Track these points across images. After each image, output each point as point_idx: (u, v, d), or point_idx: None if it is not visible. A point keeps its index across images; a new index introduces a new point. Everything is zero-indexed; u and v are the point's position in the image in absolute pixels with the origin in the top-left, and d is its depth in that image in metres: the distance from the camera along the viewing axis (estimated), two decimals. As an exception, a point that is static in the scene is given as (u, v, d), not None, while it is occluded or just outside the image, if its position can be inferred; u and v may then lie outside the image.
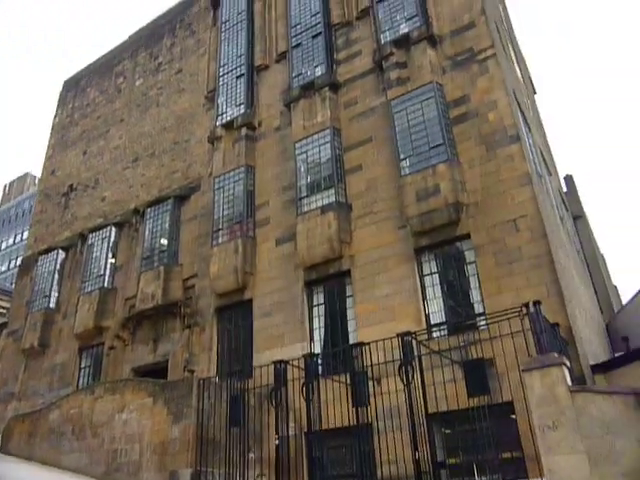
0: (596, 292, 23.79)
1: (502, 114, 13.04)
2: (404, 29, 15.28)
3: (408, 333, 9.30)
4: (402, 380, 9.07)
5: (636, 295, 18.65)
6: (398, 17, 15.64)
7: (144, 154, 20.64)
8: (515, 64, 18.78)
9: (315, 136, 15.53)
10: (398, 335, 9.28)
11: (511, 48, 19.86)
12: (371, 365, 9.73)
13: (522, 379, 7.53)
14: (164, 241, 17.82)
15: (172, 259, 17.36)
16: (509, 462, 10.13)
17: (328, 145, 15.16)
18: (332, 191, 14.53)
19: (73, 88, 26.02)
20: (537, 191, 12.30)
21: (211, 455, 10.86)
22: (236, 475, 10.60)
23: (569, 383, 7.04)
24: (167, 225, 17.94)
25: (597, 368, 11.46)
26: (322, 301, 14.25)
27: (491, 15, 15.60)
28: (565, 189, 35.89)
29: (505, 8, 25.79)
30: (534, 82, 27.20)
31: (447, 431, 11.41)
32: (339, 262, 13.92)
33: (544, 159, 17.43)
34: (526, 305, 8.53)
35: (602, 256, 42.92)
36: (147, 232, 18.32)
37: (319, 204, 14.55)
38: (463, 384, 8.91)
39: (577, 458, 6.51)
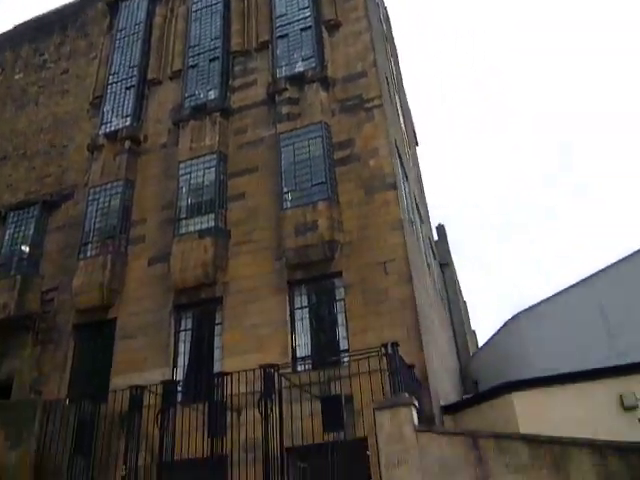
0: (455, 337, 25.38)
1: (382, 162, 13.74)
2: (299, 67, 15.72)
3: (271, 365, 9.33)
4: (260, 413, 9.04)
5: (487, 342, 20.15)
6: (295, 55, 16.07)
7: (14, 153, 19.21)
8: (400, 116, 19.94)
9: (201, 158, 15.36)
10: (260, 367, 9.27)
11: (398, 100, 21.10)
12: (231, 396, 9.63)
13: (374, 417, 7.81)
14: (25, 248, 16.55)
15: (33, 269, 16.15)
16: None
17: (213, 169, 15.05)
18: (212, 216, 14.38)
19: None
20: (407, 237, 13.00)
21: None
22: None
23: (416, 423, 7.41)
24: (31, 232, 16.70)
25: (447, 409, 12.16)
26: (190, 326, 13.90)
27: (382, 67, 16.53)
28: (436, 238, 38.28)
29: (397, 62, 27.45)
30: (417, 135, 29.03)
31: (303, 465, 11.46)
32: (212, 288, 13.71)
33: (418, 207, 18.52)
34: (385, 345, 8.93)
35: (464, 303, 45.94)
36: (7, 237, 16.93)
37: (198, 227, 14.32)
38: (322, 419, 9.07)
39: (416, 496, 6.82)
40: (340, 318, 12.60)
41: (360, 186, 13.65)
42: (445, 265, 35.29)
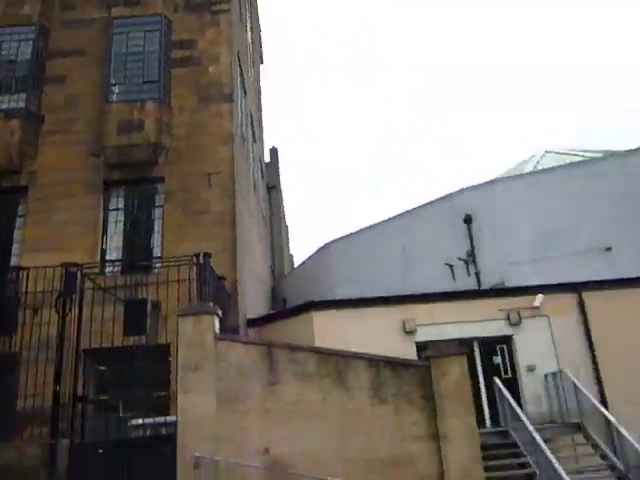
0: (273, 257, 26.33)
1: (222, 71, 13.27)
2: (145, -53, 14.24)
3: (74, 264, 8.87)
4: (58, 312, 8.64)
5: (299, 265, 21.25)
6: None
7: None
8: (248, 28, 19.25)
9: (17, 28, 13.43)
10: (62, 265, 8.78)
11: (248, 11, 20.31)
12: (26, 293, 9.03)
13: (177, 323, 7.90)
14: None
15: None
16: (160, 400, 10.53)
17: (31, 43, 13.29)
18: (24, 96, 12.83)
19: None
20: (236, 152, 12.92)
21: None
22: None
23: (217, 331, 7.66)
24: None
25: (253, 322, 12.73)
26: (-14, 215, 12.57)
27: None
28: (268, 159, 38.49)
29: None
30: (264, 52, 28.36)
31: (102, 368, 11.32)
32: (17, 177, 12.42)
33: (252, 126, 18.37)
34: (197, 255, 8.96)
35: (287, 227, 47.43)
36: None
37: (5, 106, 12.71)
38: (124, 323, 8.93)
39: (207, 397, 7.17)
40: (157, 225, 12.31)
41: (195, 92, 13.10)
42: (273, 188, 35.98)
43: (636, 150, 15.26)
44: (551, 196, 15.06)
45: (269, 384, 7.32)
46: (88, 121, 12.79)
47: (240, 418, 7.13)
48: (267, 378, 7.34)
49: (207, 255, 8.99)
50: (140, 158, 12.28)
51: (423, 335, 11.68)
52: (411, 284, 15.16)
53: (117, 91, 12.86)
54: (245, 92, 16.35)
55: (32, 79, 13.02)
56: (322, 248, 18.58)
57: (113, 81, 12.93)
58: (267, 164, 38.62)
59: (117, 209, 12.46)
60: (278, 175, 38.62)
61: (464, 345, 10.76)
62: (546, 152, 23.78)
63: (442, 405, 7.19)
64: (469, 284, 14.92)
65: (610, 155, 16.18)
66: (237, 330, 11.24)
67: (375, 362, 7.47)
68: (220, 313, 7.99)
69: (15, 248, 12.16)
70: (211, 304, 7.95)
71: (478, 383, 11.68)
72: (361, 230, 17.67)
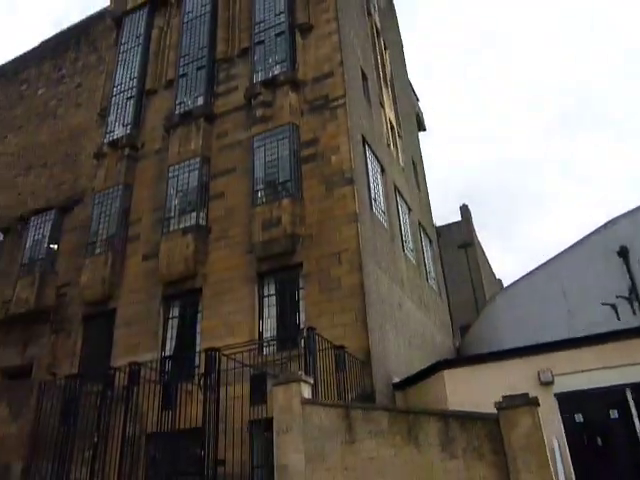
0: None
1: (342, 158, 14.79)
2: (274, 71, 16.89)
3: (213, 349, 10.60)
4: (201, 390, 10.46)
5: (476, 320, 20.87)
6: (270, 60, 17.24)
7: (37, 163, 21.41)
8: (384, 108, 20.70)
9: (187, 162, 16.89)
10: (206, 350, 10.56)
11: (387, 91, 21.87)
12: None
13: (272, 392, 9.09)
14: (44, 248, 18.68)
15: (49, 267, 18.27)
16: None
17: (197, 172, 16.55)
18: (194, 214, 15.91)
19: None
20: (363, 228, 14.05)
21: (44, 451, 11.98)
22: (64, 469, 11.72)
23: (306, 396, 8.65)
24: (48, 234, 18.83)
25: (397, 387, 13.22)
26: (176, 314, 15.57)
27: (353, 65, 17.43)
28: (460, 218, 38.63)
29: (401, 51, 27.95)
30: (424, 120, 29.51)
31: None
32: (193, 280, 15.29)
33: (401, 195, 19.34)
34: (306, 329, 10.20)
35: (499, 280, 46.00)
36: (29, 239, 19.14)
37: (182, 225, 15.91)
38: (251, 395, 10.44)
39: (298, 457, 8.11)
40: (301, 304, 13.87)
41: (322, 182, 14.78)
42: (468, 245, 35.90)
43: None
44: None
45: (347, 442, 7.99)
46: (242, 225, 15.23)
47: (324, 475, 7.90)
48: (345, 437, 8.03)
49: (312, 329, 10.15)
50: (281, 249, 14.20)
51: (563, 386, 10.93)
52: (577, 330, 14.13)
53: (260, 195, 15.18)
54: (382, 169, 17.59)
55: (200, 200, 16.11)
56: (488, 301, 18.25)
57: (257, 188, 15.32)
58: (457, 223, 38.75)
59: (269, 295, 14.41)
60: (472, 231, 38.39)
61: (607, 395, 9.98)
62: None
63: (514, 460, 7.03)
64: (636, 324, 13.31)
65: None
66: (372, 396, 11.95)
67: (443, 417, 7.65)
68: (310, 380, 8.97)
69: (199, 338, 14.79)
70: (299, 373, 9.00)
71: (637, 436, 10.39)
72: (520, 278, 17.01)
